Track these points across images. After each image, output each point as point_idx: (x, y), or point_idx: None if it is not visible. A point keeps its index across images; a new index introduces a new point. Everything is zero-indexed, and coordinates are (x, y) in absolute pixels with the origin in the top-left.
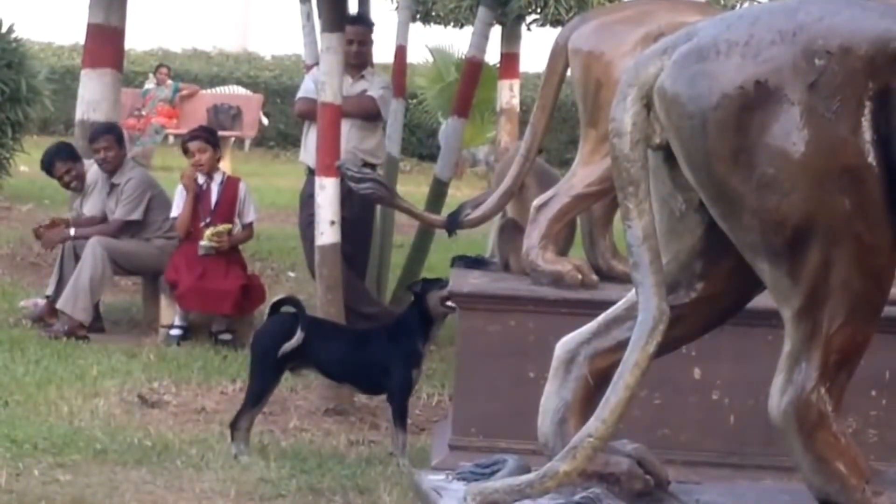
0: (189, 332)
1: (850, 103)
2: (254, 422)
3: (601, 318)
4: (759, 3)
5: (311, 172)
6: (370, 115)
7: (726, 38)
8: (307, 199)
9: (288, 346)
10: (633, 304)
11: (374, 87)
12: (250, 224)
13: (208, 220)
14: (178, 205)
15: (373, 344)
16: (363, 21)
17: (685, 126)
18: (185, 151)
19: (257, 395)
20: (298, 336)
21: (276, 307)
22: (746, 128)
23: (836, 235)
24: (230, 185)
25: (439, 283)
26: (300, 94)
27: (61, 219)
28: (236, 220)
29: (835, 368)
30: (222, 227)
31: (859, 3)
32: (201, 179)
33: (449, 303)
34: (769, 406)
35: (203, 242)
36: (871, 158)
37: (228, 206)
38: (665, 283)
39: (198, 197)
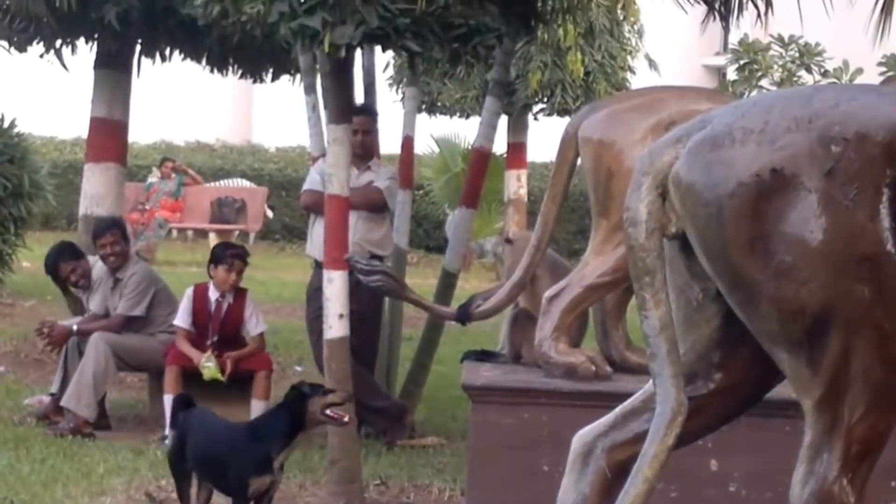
0: None
1: (867, 190)
2: None
3: (618, 410)
4: (769, 90)
5: (317, 265)
6: (377, 207)
7: (741, 126)
8: (314, 293)
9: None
10: (651, 396)
11: (380, 177)
12: (261, 335)
13: (215, 338)
14: (183, 317)
15: (229, 442)
16: (367, 110)
17: (701, 214)
18: (217, 262)
19: None
20: None
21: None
22: (763, 216)
23: (856, 324)
24: (239, 298)
25: (322, 389)
26: (306, 187)
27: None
28: (244, 334)
29: (857, 459)
30: (214, 373)
31: (875, 88)
32: (215, 295)
33: (328, 412)
34: (791, 497)
35: (206, 376)
36: (889, 246)
37: (235, 321)
38: (683, 373)
39: (208, 315)
